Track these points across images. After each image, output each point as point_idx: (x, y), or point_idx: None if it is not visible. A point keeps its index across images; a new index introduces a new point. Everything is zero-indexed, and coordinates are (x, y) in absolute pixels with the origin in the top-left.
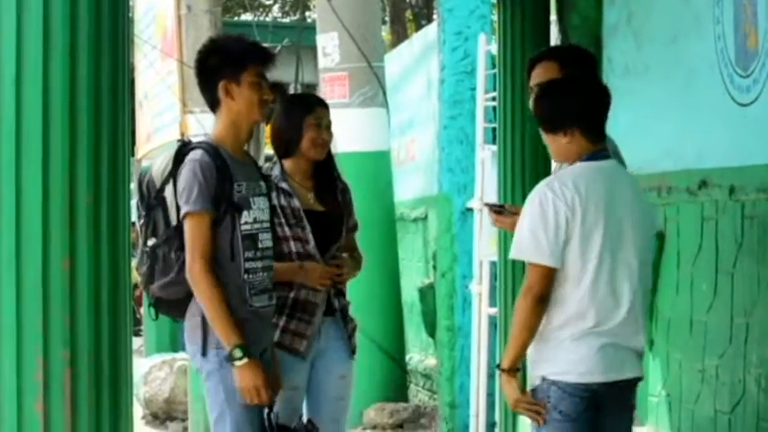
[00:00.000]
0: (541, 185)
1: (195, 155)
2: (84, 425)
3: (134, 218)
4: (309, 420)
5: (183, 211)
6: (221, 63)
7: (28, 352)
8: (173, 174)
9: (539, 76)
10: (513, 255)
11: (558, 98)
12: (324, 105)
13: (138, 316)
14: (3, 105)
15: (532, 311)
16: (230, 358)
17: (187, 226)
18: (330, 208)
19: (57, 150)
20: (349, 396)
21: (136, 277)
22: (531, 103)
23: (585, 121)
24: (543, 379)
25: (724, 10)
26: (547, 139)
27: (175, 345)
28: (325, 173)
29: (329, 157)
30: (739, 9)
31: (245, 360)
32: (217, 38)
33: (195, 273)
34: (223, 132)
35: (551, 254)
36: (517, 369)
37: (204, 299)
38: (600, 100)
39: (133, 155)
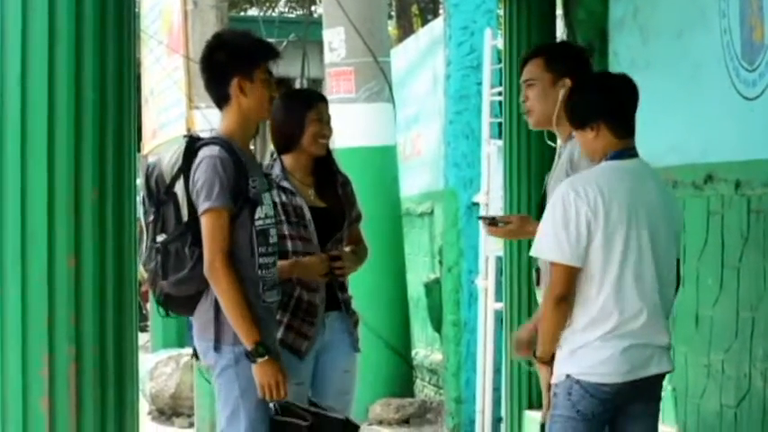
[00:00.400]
0: (565, 185)
1: (212, 150)
2: (89, 421)
3: (138, 214)
4: (311, 401)
5: (203, 207)
6: (233, 59)
7: (33, 348)
8: (183, 169)
9: (526, 72)
10: (534, 252)
11: (584, 94)
12: (324, 100)
13: (144, 312)
14: (8, 101)
15: (555, 310)
16: (253, 355)
17: (207, 222)
18: (331, 204)
19: (62, 146)
20: (353, 390)
21: (143, 273)
22: (521, 99)
23: (610, 115)
24: (567, 376)
25: (730, 3)
26: (577, 136)
27: (182, 340)
28: (324, 168)
29: (328, 152)
30: (745, 2)
31: (266, 356)
32: (223, 33)
33: (217, 269)
34: (233, 128)
35: (572, 254)
36: (552, 359)
37: (225, 296)
38: (625, 95)
39: (139, 151)
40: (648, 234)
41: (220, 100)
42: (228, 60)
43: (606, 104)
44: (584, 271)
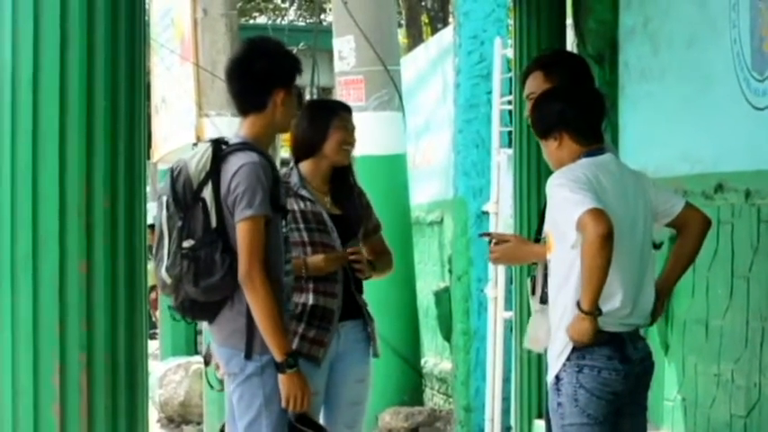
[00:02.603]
0: (555, 176)
1: (252, 157)
2: (100, 428)
3: (149, 221)
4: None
5: (243, 215)
6: (276, 69)
7: (45, 355)
8: (211, 175)
9: (528, 86)
10: (565, 224)
11: (544, 105)
12: (348, 110)
13: (153, 319)
14: (20, 108)
15: (603, 249)
16: (284, 366)
17: (247, 229)
18: (346, 212)
19: (73, 154)
20: (366, 400)
21: (150, 280)
22: (525, 114)
23: (571, 123)
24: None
25: (740, 14)
26: (542, 147)
27: (191, 348)
28: (341, 177)
29: (348, 163)
30: (755, 13)
31: (296, 368)
32: (259, 40)
33: (254, 278)
34: (259, 135)
35: (598, 199)
36: (599, 312)
37: (260, 305)
38: (588, 104)
39: (149, 158)
40: (636, 218)
41: (254, 107)
42: (272, 70)
43: (567, 114)
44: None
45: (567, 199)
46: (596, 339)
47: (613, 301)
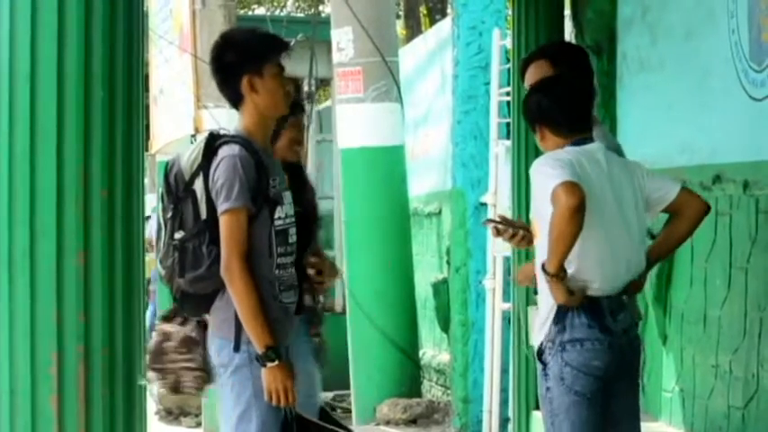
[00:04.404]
0: (540, 160)
1: (233, 149)
2: (97, 420)
3: (148, 212)
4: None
5: (222, 208)
6: (241, 57)
7: (42, 346)
8: (202, 166)
9: (531, 76)
10: (544, 207)
11: (526, 99)
12: (302, 109)
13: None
14: (17, 100)
15: (571, 220)
16: (263, 359)
17: (225, 222)
18: (303, 207)
19: (71, 145)
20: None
21: (147, 272)
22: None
23: (549, 119)
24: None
25: (738, 4)
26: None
27: None
28: (297, 175)
29: (299, 161)
30: (753, 3)
31: (277, 362)
32: (229, 32)
33: (233, 270)
34: (251, 127)
35: (573, 174)
36: (564, 273)
37: (240, 297)
38: (562, 97)
39: (147, 150)
40: (623, 202)
41: (235, 100)
42: (237, 59)
43: (543, 108)
44: None
45: (545, 175)
46: (575, 300)
47: (591, 278)
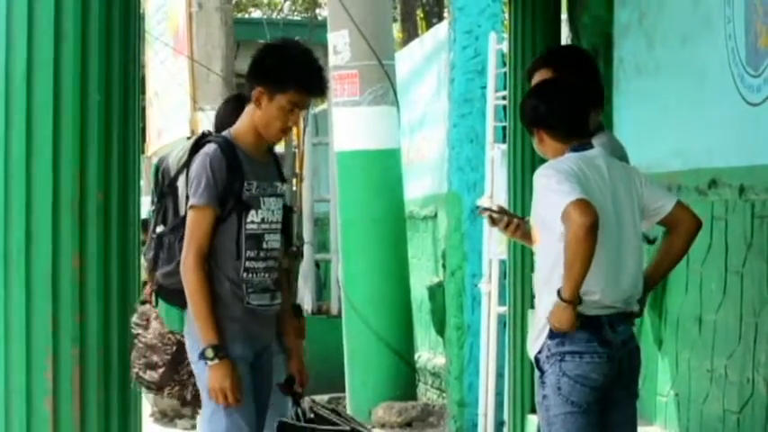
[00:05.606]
0: (542, 169)
1: (208, 149)
2: (93, 422)
3: (144, 215)
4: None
5: (189, 204)
6: (268, 69)
7: (38, 349)
8: (187, 164)
9: (536, 81)
10: (553, 215)
11: (523, 103)
12: None
13: None
14: (13, 102)
15: (587, 239)
16: (203, 356)
17: (189, 218)
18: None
19: (67, 148)
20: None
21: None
22: None
23: (546, 122)
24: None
25: (735, 9)
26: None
27: None
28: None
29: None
30: (750, 8)
31: (216, 360)
32: (287, 43)
33: (187, 265)
34: (243, 131)
35: (584, 190)
36: (579, 300)
37: (190, 292)
38: (561, 102)
39: (143, 152)
40: (623, 210)
41: (247, 96)
42: (266, 68)
43: (540, 112)
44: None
45: (553, 190)
46: (574, 327)
47: (591, 289)
